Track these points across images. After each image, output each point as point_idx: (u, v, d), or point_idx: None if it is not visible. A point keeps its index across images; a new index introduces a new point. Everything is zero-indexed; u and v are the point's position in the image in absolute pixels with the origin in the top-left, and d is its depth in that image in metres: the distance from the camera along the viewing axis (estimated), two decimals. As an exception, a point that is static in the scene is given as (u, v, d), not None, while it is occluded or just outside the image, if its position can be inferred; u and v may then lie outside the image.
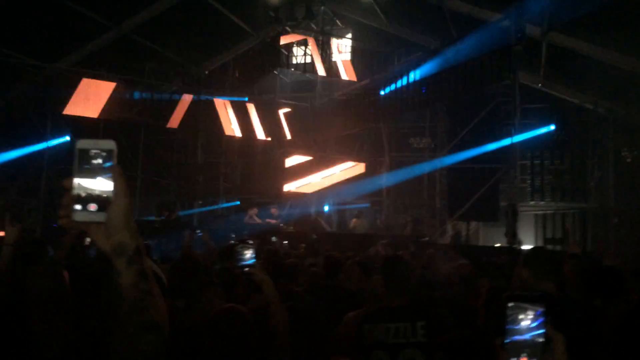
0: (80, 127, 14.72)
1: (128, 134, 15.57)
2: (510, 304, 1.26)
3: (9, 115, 13.72)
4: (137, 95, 14.26)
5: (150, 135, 15.90)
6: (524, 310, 1.26)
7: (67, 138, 14.96)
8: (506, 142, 12.15)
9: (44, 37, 12.55)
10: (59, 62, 13.48)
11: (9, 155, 13.41)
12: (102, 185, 1.12)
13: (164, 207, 13.48)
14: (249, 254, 3.10)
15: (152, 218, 13.70)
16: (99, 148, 1.13)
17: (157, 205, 14.13)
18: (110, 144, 1.14)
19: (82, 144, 1.13)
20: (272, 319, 2.92)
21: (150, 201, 16.48)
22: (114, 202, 1.12)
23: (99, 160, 1.13)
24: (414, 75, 13.09)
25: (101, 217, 1.12)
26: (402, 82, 13.31)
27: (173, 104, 14.70)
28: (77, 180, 1.11)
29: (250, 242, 3.18)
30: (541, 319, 1.25)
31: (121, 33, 13.47)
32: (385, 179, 15.21)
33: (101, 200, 1.11)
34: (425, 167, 14.63)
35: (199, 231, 8.05)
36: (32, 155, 14.43)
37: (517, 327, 1.25)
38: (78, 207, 1.11)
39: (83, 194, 1.11)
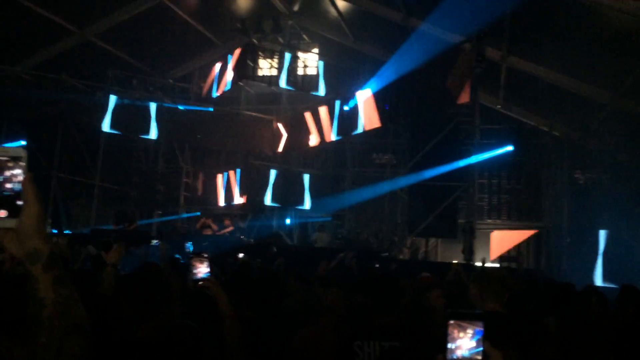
0: (36, 130, 14.36)
1: (86, 139, 15.27)
2: (450, 322, 1.29)
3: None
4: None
5: (111, 141, 15.59)
6: (464, 329, 1.30)
7: (23, 142, 14.55)
8: (466, 162, 12.44)
9: (4, 39, 12.24)
10: (20, 64, 13.14)
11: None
12: (13, 191, 1.13)
13: (123, 217, 13.21)
14: (203, 267, 3.07)
15: (110, 227, 13.41)
16: (8, 155, 1.14)
17: (116, 214, 13.85)
18: (20, 151, 1.15)
19: None
20: (227, 333, 2.90)
21: (109, 210, 16.13)
22: (25, 208, 1.12)
23: (9, 167, 1.13)
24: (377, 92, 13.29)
25: (11, 223, 1.12)
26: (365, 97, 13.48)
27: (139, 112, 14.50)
28: None
29: (205, 255, 3.14)
30: (480, 337, 1.29)
31: (84, 38, 13.24)
32: (347, 197, 15.31)
33: (12, 206, 1.12)
34: (386, 187, 14.75)
35: (155, 241, 7.89)
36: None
37: (456, 345, 1.29)
38: None
39: None
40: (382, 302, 3.36)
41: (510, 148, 13.43)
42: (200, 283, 3.02)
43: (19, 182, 1.13)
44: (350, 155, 16.17)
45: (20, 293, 1.25)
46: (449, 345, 1.29)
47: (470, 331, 1.30)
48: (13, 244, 1.14)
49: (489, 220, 15.26)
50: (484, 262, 9.36)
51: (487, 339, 1.29)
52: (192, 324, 2.82)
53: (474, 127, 12.64)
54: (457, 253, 12.58)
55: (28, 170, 1.15)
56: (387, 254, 13.23)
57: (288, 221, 15.90)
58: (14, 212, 1.12)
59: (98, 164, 15.51)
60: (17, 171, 1.13)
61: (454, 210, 13.07)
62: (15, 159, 1.14)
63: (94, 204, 15.76)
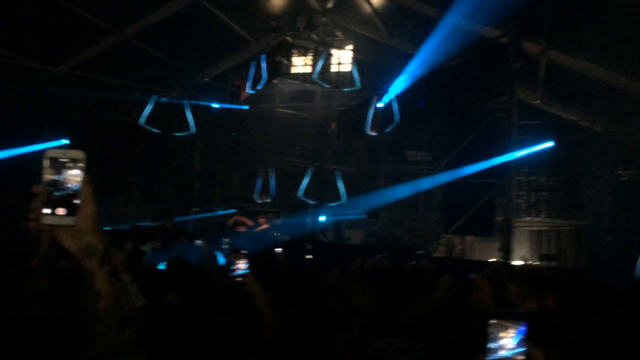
0: (77, 130, 14.73)
1: (125, 138, 15.61)
2: (491, 321, 1.26)
3: (7, 116, 13.71)
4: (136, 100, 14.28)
5: (148, 140, 15.89)
6: (505, 328, 1.27)
7: (65, 141, 14.95)
8: (504, 158, 12.19)
9: (45, 39, 12.57)
10: (60, 65, 13.48)
11: (5, 153, 13.36)
12: (71, 191, 1.20)
13: (162, 214, 13.43)
14: (242, 263, 3.08)
15: (148, 224, 13.66)
16: (68, 157, 1.21)
17: (155, 211, 14.10)
18: (79, 154, 1.22)
19: (51, 153, 1.22)
20: (264, 330, 2.91)
21: (146, 207, 16.47)
22: (82, 207, 1.20)
23: (69, 168, 1.21)
24: (413, 88, 13.15)
25: (69, 221, 1.19)
26: (400, 94, 13.37)
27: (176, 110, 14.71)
28: (46, 186, 1.19)
29: (244, 251, 3.15)
30: (522, 337, 1.25)
31: (122, 38, 13.49)
32: (382, 195, 15.18)
33: (70, 205, 1.19)
34: (422, 184, 14.56)
35: (199, 241, 7.99)
36: (30, 158, 14.39)
37: (498, 345, 1.26)
38: (47, 211, 1.18)
39: (52, 199, 1.19)
40: (410, 298, 3.29)
41: (550, 144, 13.10)
42: (238, 279, 3.04)
43: (77, 182, 1.21)
44: (385, 152, 16.07)
45: (72, 286, 1.33)
46: (490, 345, 1.26)
47: (512, 331, 1.27)
48: (69, 239, 1.21)
49: (528, 218, 14.98)
50: (525, 261, 9.18)
51: (529, 339, 1.25)
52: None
53: (511, 123, 12.38)
54: (494, 251, 12.38)
55: (86, 171, 1.23)
56: (422, 251, 13.10)
57: (322, 219, 15.91)
58: (71, 210, 1.20)
59: (136, 162, 15.85)
60: (76, 172, 1.21)
61: (490, 208, 12.88)
62: (75, 161, 1.22)
63: (133, 201, 16.12)
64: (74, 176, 1.21)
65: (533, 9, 10.73)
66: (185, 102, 14.79)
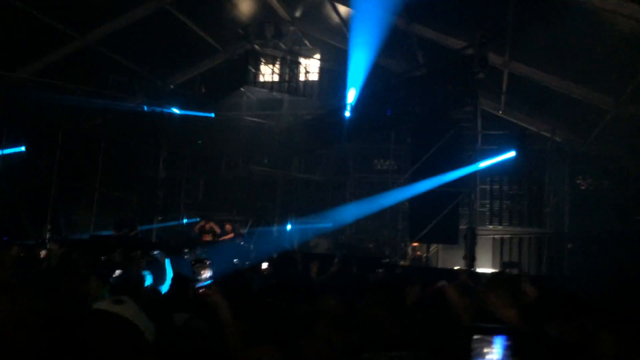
0: (37, 137, 14.33)
1: (87, 145, 15.24)
2: (476, 337, 1.26)
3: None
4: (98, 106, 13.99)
5: (111, 147, 15.55)
6: (489, 344, 1.27)
7: (23, 148, 14.51)
8: (469, 169, 12.41)
9: (5, 44, 12.21)
10: (20, 70, 13.11)
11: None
12: None
13: (124, 223, 13.12)
14: (206, 273, 3.04)
15: (110, 233, 13.33)
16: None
17: (116, 220, 13.76)
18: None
19: None
20: (228, 340, 2.87)
21: (109, 216, 16.08)
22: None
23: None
24: (380, 98, 13.29)
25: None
26: (368, 103, 13.48)
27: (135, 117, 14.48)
28: None
29: (208, 261, 3.11)
30: (506, 353, 1.26)
31: (85, 44, 13.21)
32: (350, 210, 15.08)
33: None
34: (390, 199, 14.47)
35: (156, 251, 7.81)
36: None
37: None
38: None
39: None
40: (387, 310, 3.26)
41: (513, 154, 13.40)
42: (201, 291, 2.98)
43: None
44: (352, 161, 16.15)
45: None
46: None
47: (495, 347, 1.27)
48: None
49: (491, 226, 15.24)
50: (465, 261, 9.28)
51: (513, 354, 1.26)
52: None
53: (475, 133, 12.62)
54: (459, 259, 12.55)
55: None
56: (388, 260, 13.18)
57: (289, 226, 15.85)
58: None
59: (98, 170, 15.48)
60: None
61: (455, 216, 13.06)
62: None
63: (94, 210, 15.72)
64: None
65: (497, 21, 10.98)
66: (149, 109, 14.58)
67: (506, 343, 1.26)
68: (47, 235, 13.80)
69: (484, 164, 13.08)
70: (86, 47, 13.31)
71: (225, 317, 2.92)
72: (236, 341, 2.88)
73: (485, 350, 1.26)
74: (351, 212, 15.14)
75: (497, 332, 1.27)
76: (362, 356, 3.03)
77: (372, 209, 14.67)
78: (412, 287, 5.07)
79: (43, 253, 8.12)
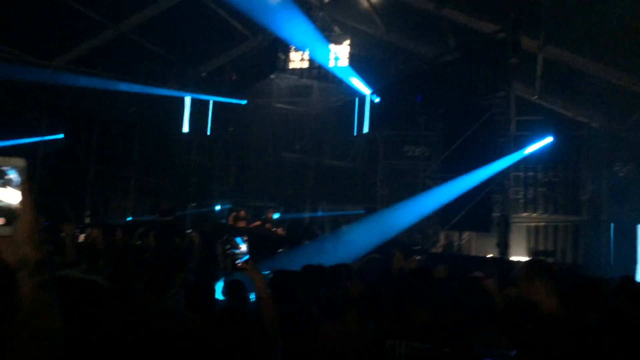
0: (74, 124, 14.72)
1: (122, 132, 15.59)
2: None
3: (6, 110, 13.69)
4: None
5: (146, 134, 15.88)
6: None
7: (61, 136, 14.94)
8: (513, 158, 12.08)
9: (41, 34, 12.53)
10: (56, 59, 13.44)
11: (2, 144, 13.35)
12: (11, 200, 1.17)
13: (159, 208, 13.35)
14: (243, 247, 3.12)
15: (148, 218, 13.64)
16: (9, 165, 1.18)
17: (152, 206, 13.94)
18: (21, 162, 1.20)
19: None
20: (263, 314, 2.94)
21: (145, 201, 16.45)
22: (20, 217, 1.17)
23: (9, 177, 1.18)
24: (411, 83, 13.13)
25: (7, 231, 1.16)
26: (398, 89, 13.34)
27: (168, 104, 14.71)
28: None
29: (245, 238, 3.19)
30: None
31: (119, 32, 13.44)
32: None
33: (9, 215, 1.16)
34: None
35: (189, 231, 7.91)
36: (25, 152, 14.39)
37: None
38: None
39: None
40: (416, 298, 3.19)
41: (550, 139, 13.01)
42: (238, 264, 3.07)
43: (18, 191, 1.18)
44: (383, 147, 16.04)
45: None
46: None
47: None
48: (8, 251, 1.17)
49: (525, 214, 14.97)
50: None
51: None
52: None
53: (509, 119, 12.33)
54: (492, 247, 12.38)
55: (26, 176, 1.19)
56: (419, 247, 13.09)
57: (319, 213, 15.91)
58: (10, 220, 1.17)
59: (133, 156, 15.84)
60: (17, 180, 1.18)
61: (488, 203, 12.85)
62: (16, 169, 1.19)
63: (131, 196, 16.12)
64: (15, 185, 1.18)
65: (530, 3, 10.68)
66: (182, 96, 14.79)
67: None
68: (87, 220, 14.23)
69: (527, 150, 12.77)
70: (119, 36, 13.54)
71: (261, 290, 2.99)
72: (271, 313, 2.95)
73: None
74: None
75: None
76: (386, 343, 3.05)
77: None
78: (439, 267, 5.04)
79: (82, 237, 8.36)
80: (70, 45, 13.53)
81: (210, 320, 2.89)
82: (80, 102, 14.11)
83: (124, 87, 14.08)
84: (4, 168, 1.18)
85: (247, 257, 3.08)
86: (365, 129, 14.53)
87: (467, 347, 3.02)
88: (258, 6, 12.56)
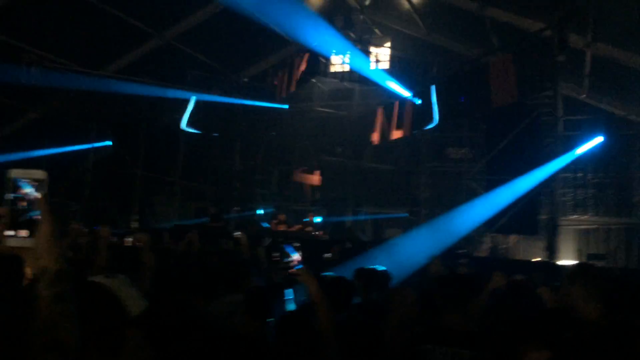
0: (122, 131, 15.17)
1: (168, 139, 15.96)
2: None
3: (55, 118, 14.23)
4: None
5: (190, 140, 16.20)
6: None
7: (110, 142, 15.40)
8: (564, 160, 11.69)
9: (90, 45, 12.95)
10: (103, 69, 13.86)
11: (54, 150, 13.86)
12: (33, 212, 1.18)
13: (214, 212, 13.61)
14: (297, 256, 3.13)
15: (191, 222, 13.91)
16: (30, 177, 1.19)
17: (213, 211, 14.14)
18: (41, 174, 1.21)
19: (14, 173, 1.19)
20: (318, 318, 2.94)
21: (190, 206, 16.80)
22: (39, 228, 1.18)
23: (31, 189, 1.19)
24: (453, 84, 12.94)
25: (30, 242, 1.18)
26: (440, 90, 13.16)
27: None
28: (9, 208, 1.18)
29: (297, 244, 3.19)
30: None
31: (163, 41, 13.76)
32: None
33: (32, 227, 1.18)
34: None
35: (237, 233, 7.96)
36: (76, 159, 14.90)
37: None
38: (10, 233, 1.17)
39: (15, 220, 1.17)
40: (453, 303, 3.15)
41: (601, 139, 12.56)
42: (291, 271, 3.08)
43: (38, 203, 1.20)
44: (425, 149, 15.86)
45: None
46: None
47: None
48: (31, 260, 1.20)
49: (574, 217, 14.51)
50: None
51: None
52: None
53: (556, 119, 11.98)
54: (539, 250, 12.05)
55: (46, 189, 1.21)
56: (464, 250, 12.85)
57: (362, 217, 15.85)
58: (33, 232, 1.19)
59: (178, 162, 16.18)
60: (38, 193, 1.20)
61: (534, 206, 12.51)
62: (37, 181, 1.21)
63: (175, 201, 16.47)
64: (36, 197, 1.19)
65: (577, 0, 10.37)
66: (225, 102, 15.02)
67: None
68: (134, 225, 14.61)
69: (578, 151, 12.36)
70: (164, 44, 13.87)
71: (315, 295, 2.99)
72: (326, 317, 2.94)
73: None
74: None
75: None
76: (424, 346, 3.02)
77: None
78: (496, 274, 4.66)
79: (128, 241, 8.54)
80: (118, 54, 13.94)
81: (271, 326, 2.91)
82: (127, 109, 14.53)
83: (170, 94, 14.41)
84: (25, 180, 1.19)
85: (300, 266, 3.08)
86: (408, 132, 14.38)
87: (509, 353, 2.93)
88: (297, 14, 12.60)
